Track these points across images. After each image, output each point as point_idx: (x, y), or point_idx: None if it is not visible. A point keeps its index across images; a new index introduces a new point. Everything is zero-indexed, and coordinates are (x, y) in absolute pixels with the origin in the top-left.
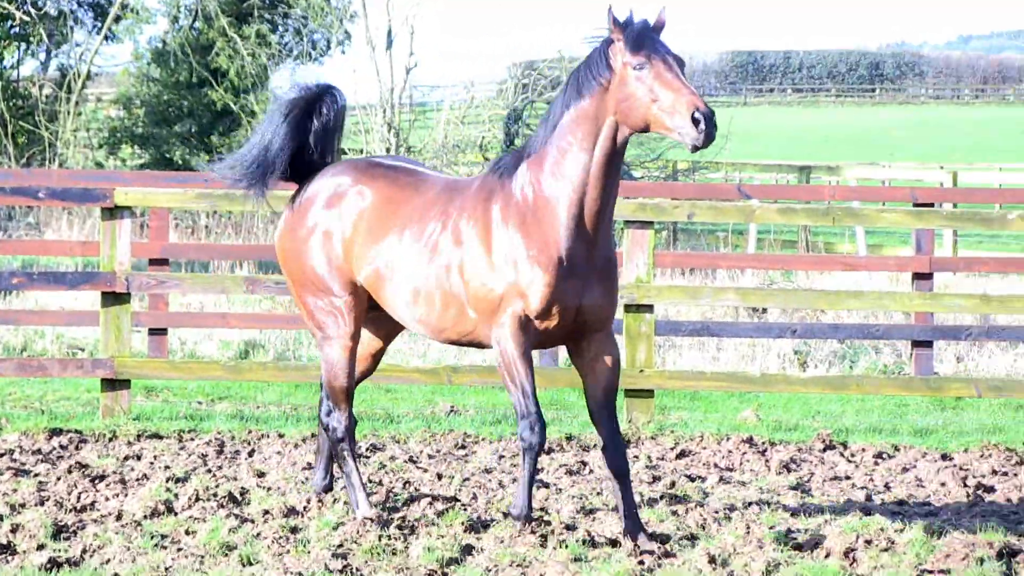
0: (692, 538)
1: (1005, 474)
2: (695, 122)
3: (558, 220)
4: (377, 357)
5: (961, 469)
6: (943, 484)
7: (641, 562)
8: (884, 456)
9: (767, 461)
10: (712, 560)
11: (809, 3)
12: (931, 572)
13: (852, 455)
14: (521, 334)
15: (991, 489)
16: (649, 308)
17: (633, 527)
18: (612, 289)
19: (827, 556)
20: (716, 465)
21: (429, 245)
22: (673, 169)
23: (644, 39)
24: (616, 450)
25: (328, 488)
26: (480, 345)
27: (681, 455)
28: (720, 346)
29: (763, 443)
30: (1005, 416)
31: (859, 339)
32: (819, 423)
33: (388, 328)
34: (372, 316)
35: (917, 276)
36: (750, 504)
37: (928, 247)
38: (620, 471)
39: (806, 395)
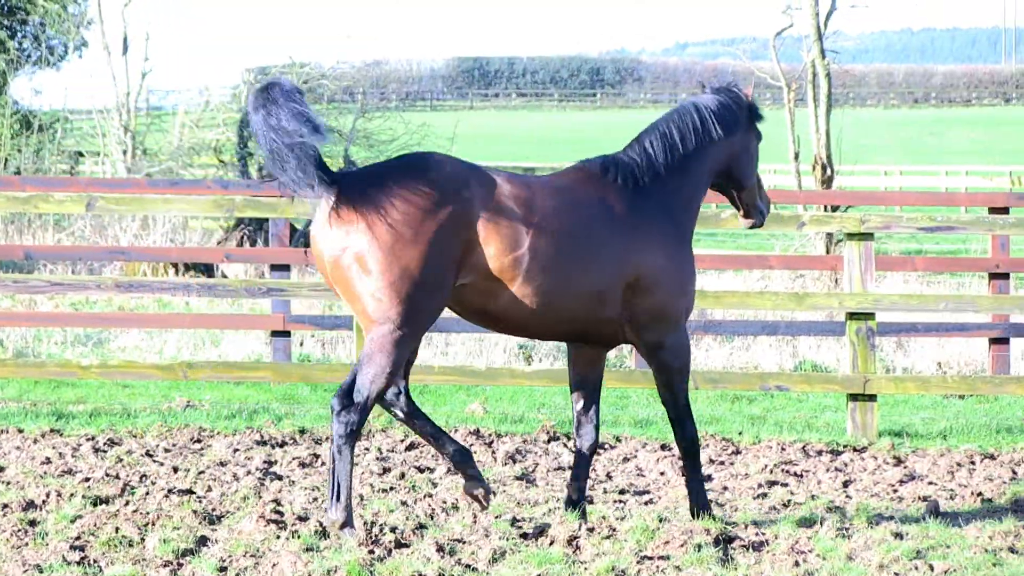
0: (421, 527)
1: (721, 463)
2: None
3: None
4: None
5: (680, 459)
6: (662, 473)
7: (372, 551)
8: (606, 447)
9: (494, 452)
10: (440, 549)
11: (532, 11)
12: (651, 558)
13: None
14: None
15: (708, 478)
16: None
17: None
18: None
19: (551, 544)
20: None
21: None
22: None
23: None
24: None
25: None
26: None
27: (411, 447)
28: (448, 341)
29: (490, 435)
30: (722, 407)
31: None
32: (544, 415)
33: None
34: None
35: None
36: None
37: None
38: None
39: (531, 388)
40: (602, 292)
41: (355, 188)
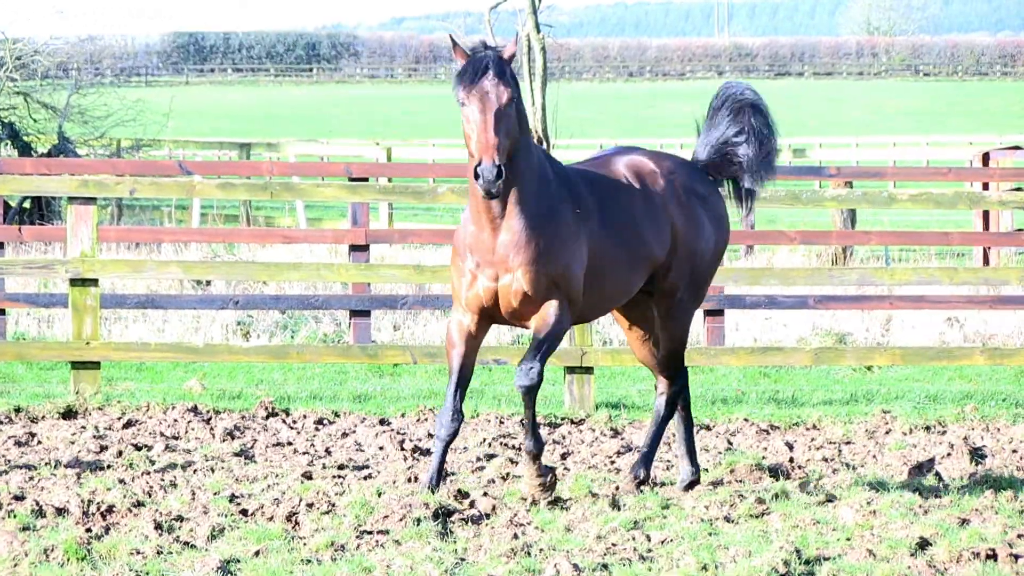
0: (139, 505)
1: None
2: (475, 176)
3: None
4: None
5: (399, 433)
6: (381, 448)
7: (88, 529)
8: (325, 422)
9: (212, 429)
10: (159, 527)
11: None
12: (371, 533)
13: (294, 422)
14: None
15: (427, 452)
16: (94, 282)
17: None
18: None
19: (270, 520)
20: (162, 434)
21: None
22: (117, 147)
23: (467, 76)
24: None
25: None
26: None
27: (128, 424)
28: (166, 318)
29: (208, 411)
30: (440, 381)
31: (300, 309)
32: (262, 391)
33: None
34: None
35: (354, 248)
36: (196, 471)
37: (364, 220)
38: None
39: (249, 364)
40: None
41: None
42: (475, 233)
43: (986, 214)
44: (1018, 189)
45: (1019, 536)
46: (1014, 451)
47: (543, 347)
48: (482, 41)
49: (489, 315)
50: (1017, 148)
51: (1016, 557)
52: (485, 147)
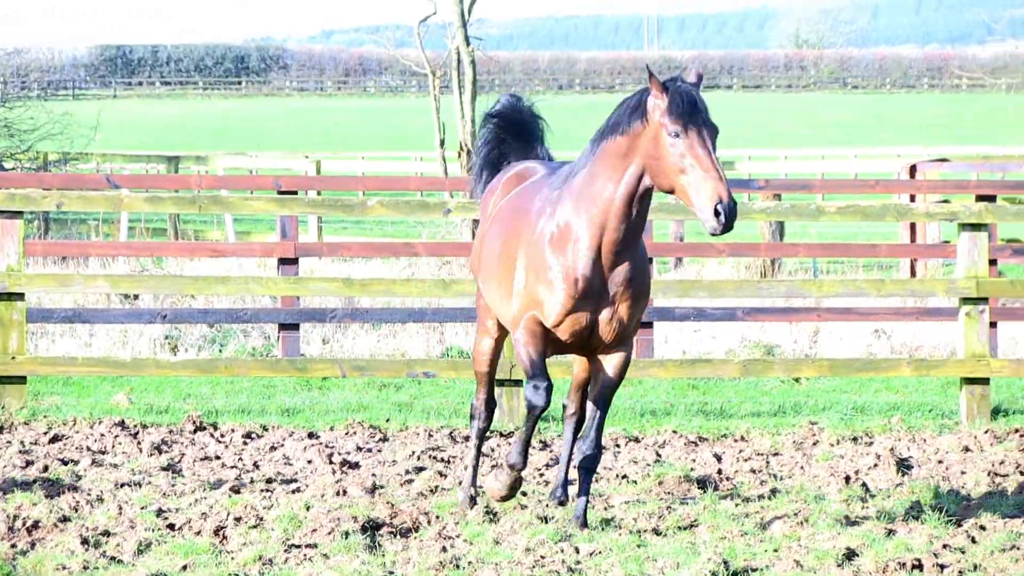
0: (65, 520)
1: (369, 450)
2: (716, 214)
3: (581, 244)
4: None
5: (327, 447)
6: (310, 462)
7: (14, 545)
8: (253, 436)
9: (139, 443)
10: (85, 542)
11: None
12: (299, 546)
13: (222, 435)
14: (536, 336)
15: (356, 465)
16: (20, 296)
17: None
18: (634, 298)
19: (198, 534)
20: (89, 448)
21: (510, 232)
22: (44, 160)
23: (684, 107)
24: (593, 443)
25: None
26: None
27: (55, 439)
28: (93, 332)
29: (135, 426)
30: (369, 395)
31: (228, 323)
32: (190, 405)
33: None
34: None
35: (283, 261)
36: (123, 485)
37: (293, 233)
38: (589, 465)
39: (177, 378)
40: None
41: None
42: (590, 260)
43: (913, 226)
44: (945, 201)
45: (944, 546)
46: (940, 462)
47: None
48: (679, 76)
49: (554, 340)
50: (944, 160)
51: (942, 567)
52: (722, 183)
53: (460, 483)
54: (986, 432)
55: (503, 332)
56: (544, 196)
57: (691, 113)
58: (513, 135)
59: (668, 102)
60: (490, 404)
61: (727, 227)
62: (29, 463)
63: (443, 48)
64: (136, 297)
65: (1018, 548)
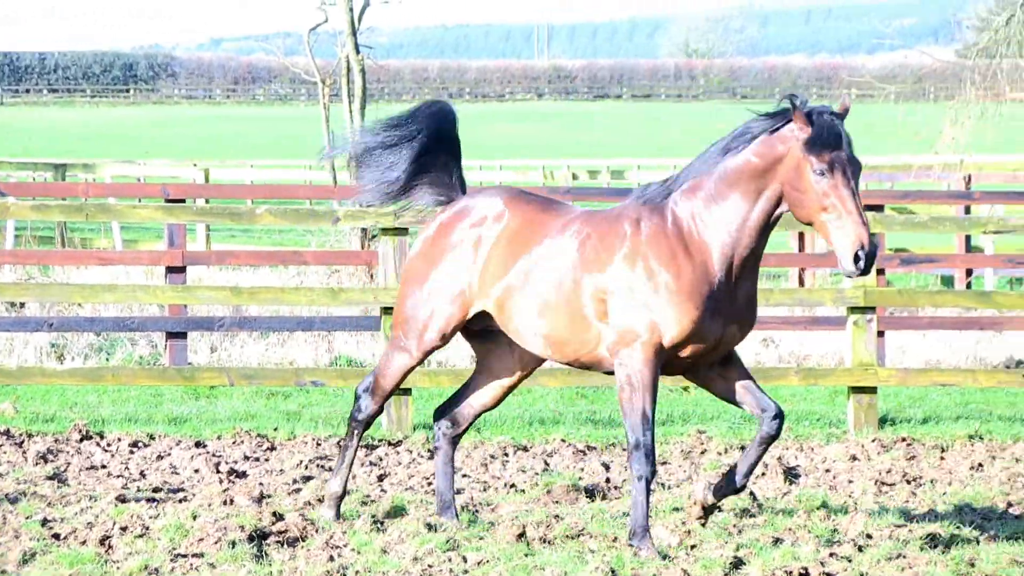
0: None
1: (257, 459)
2: (856, 259)
3: (710, 259)
4: (509, 390)
5: (214, 456)
6: (197, 471)
7: None
8: (140, 445)
9: (24, 452)
10: None
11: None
12: (185, 556)
13: (109, 444)
14: (654, 361)
15: (243, 474)
16: None
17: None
18: (749, 323)
19: (83, 543)
20: None
21: (565, 260)
22: None
23: (831, 143)
24: (776, 415)
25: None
26: (598, 366)
27: None
28: None
29: (21, 435)
30: (257, 403)
31: (116, 331)
32: (77, 414)
33: (527, 361)
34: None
35: (171, 270)
36: (7, 494)
37: (181, 241)
38: (773, 436)
39: (63, 387)
40: None
41: None
42: (719, 279)
43: (801, 235)
44: None
45: (831, 555)
46: (827, 471)
47: None
48: (827, 108)
49: (668, 357)
50: None
51: None
52: (865, 227)
53: (330, 480)
54: (873, 441)
55: (424, 356)
56: (636, 211)
57: (837, 149)
58: (443, 148)
59: (812, 138)
60: (379, 412)
61: (865, 272)
62: None
63: (333, 56)
64: (22, 305)
65: (904, 557)
